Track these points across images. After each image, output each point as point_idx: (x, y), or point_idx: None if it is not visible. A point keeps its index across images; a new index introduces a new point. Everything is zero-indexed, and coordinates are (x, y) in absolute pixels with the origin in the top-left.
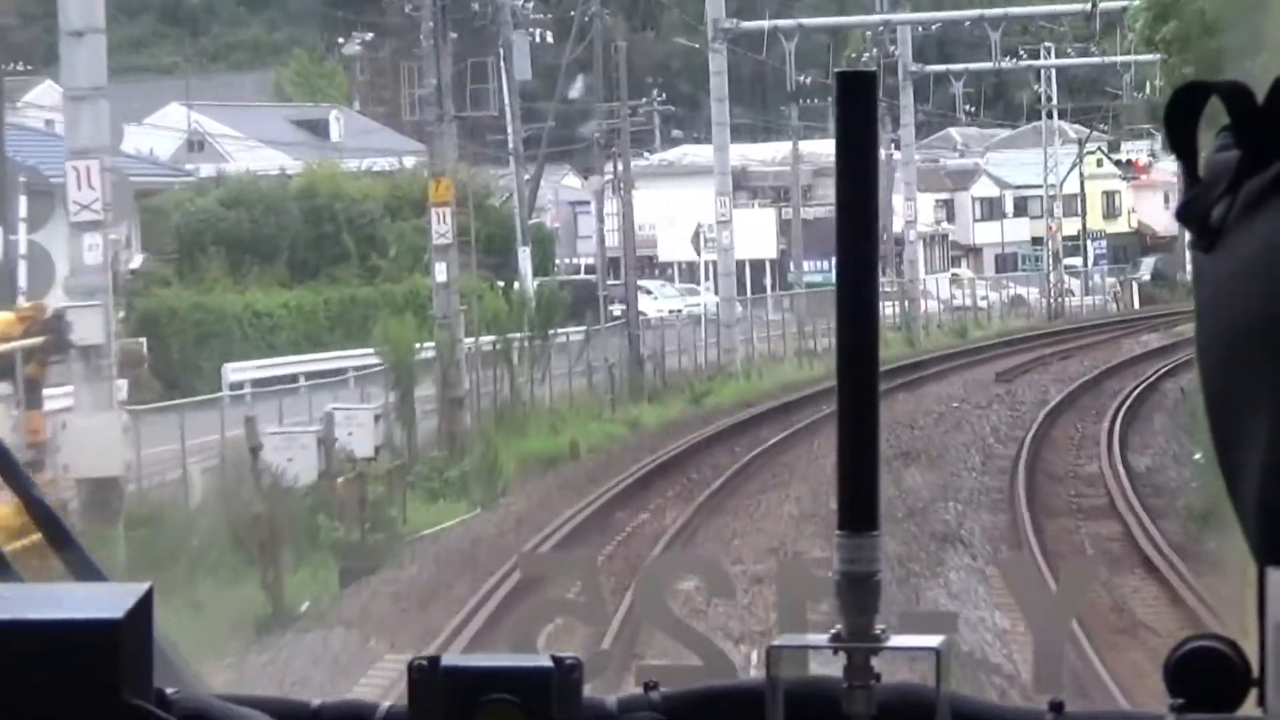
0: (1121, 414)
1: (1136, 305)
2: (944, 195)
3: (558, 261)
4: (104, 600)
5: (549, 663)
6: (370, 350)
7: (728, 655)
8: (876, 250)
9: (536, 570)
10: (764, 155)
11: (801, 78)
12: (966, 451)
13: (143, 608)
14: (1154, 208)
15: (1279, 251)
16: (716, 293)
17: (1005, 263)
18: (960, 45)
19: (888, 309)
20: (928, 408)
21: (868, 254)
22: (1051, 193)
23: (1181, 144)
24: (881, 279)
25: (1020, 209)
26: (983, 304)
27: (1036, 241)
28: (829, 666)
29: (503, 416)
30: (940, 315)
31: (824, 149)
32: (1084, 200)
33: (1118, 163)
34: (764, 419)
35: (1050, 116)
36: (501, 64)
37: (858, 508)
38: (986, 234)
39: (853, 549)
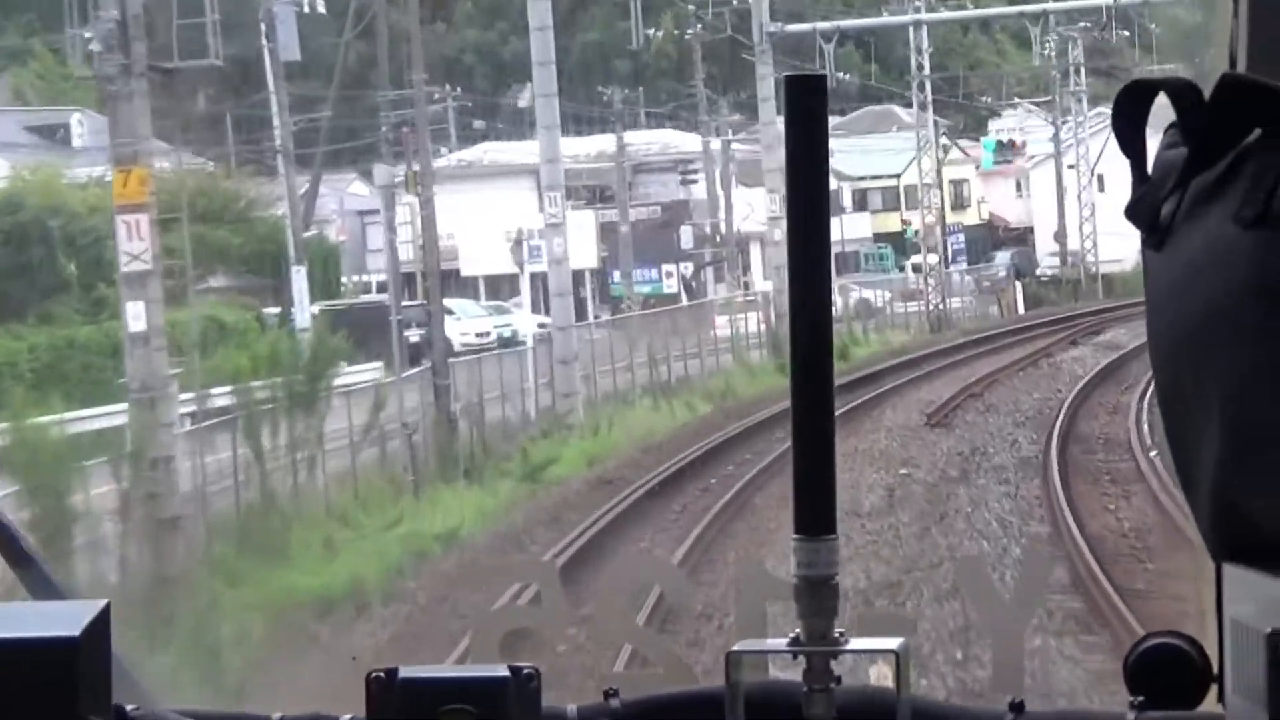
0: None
1: (1021, 309)
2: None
3: (345, 280)
4: (62, 618)
5: (506, 672)
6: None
7: (686, 662)
8: (829, 256)
9: (492, 579)
10: (580, 150)
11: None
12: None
13: (100, 625)
14: (1005, 197)
15: (1225, 248)
16: (538, 311)
17: (846, 263)
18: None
19: (744, 324)
20: (852, 482)
21: (820, 260)
22: (927, 180)
23: (1129, 142)
24: (737, 289)
25: (860, 203)
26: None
27: (880, 238)
28: (789, 670)
29: (247, 532)
30: None
31: (647, 139)
32: (944, 189)
33: (1000, 144)
34: (633, 514)
35: (922, 88)
36: (264, 40)
37: (815, 512)
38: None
39: (810, 553)
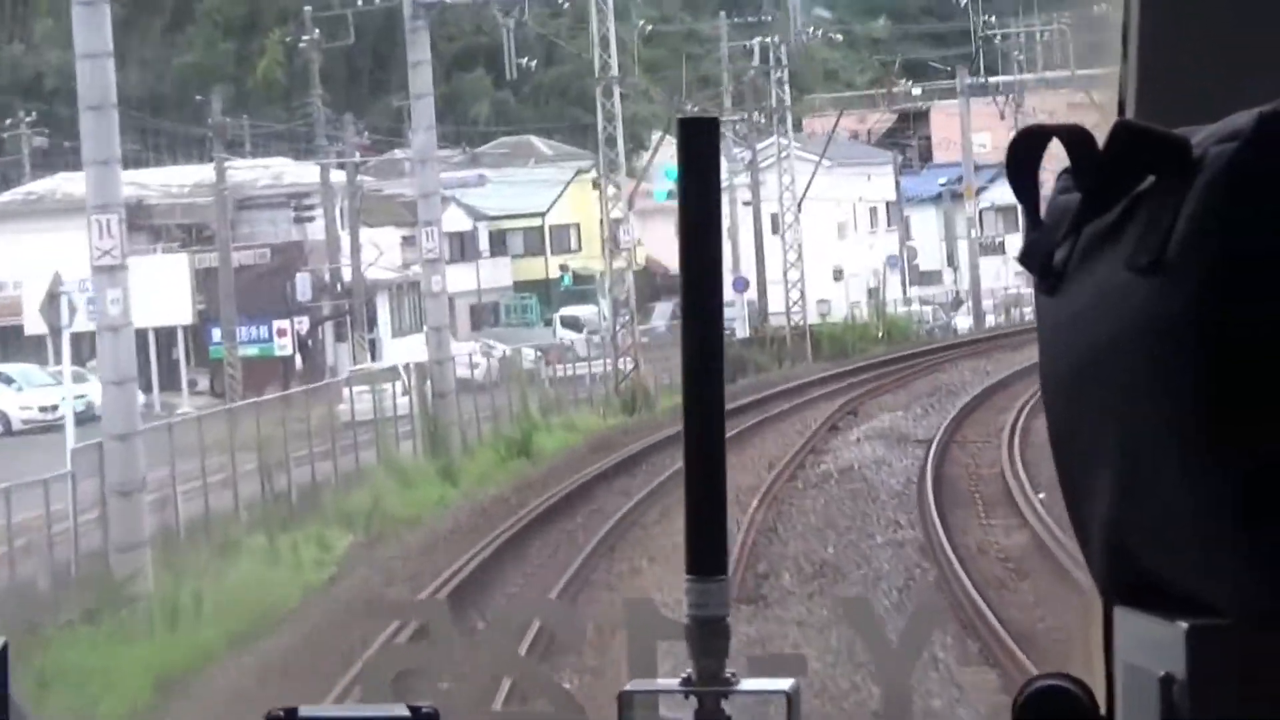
0: None
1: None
2: (408, 230)
3: None
4: None
5: (406, 712)
6: None
7: (577, 699)
8: (721, 297)
9: (388, 617)
10: (172, 180)
11: None
12: None
13: (2, 663)
14: (663, 239)
15: (1118, 294)
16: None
17: (483, 316)
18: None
19: (389, 398)
20: None
21: (713, 302)
22: (616, 214)
23: (1023, 186)
24: (364, 350)
25: (499, 245)
26: (472, 371)
27: (523, 286)
28: (680, 711)
29: None
30: (469, 411)
31: (256, 169)
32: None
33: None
34: None
35: (611, 120)
36: None
37: (706, 552)
38: (460, 279)
39: (701, 593)
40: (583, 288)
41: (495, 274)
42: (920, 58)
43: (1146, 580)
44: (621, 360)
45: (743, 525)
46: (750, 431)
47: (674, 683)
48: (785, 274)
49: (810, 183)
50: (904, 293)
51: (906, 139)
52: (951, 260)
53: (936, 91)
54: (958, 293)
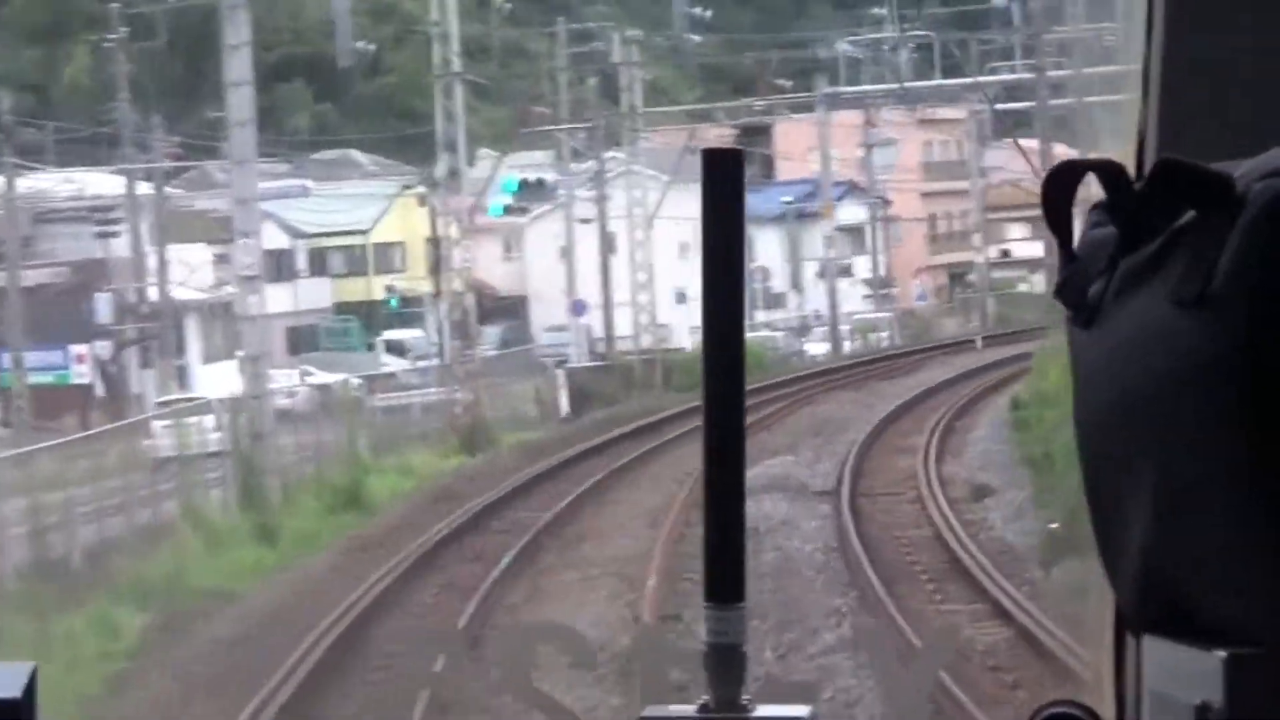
0: None
1: (565, 407)
2: (221, 247)
3: None
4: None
5: None
6: None
7: None
8: (743, 329)
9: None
10: None
11: None
12: None
13: (32, 686)
14: (490, 258)
15: (1159, 328)
16: None
17: (301, 339)
18: None
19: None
20: None
21: (734, 333)
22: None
23: (1057, 220)
24: (172, 379)
25: (318, 264)
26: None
27: (345, 309)
28: None
29: None
30: (288, 448)
31: (53, 181)
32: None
33: (525, 185)
34: None
35: (452, 118)
36: None
37: (725, 579)
38: (277, 299)
39: (720, 620)
40: (409, 310)
41: (314, 294)
42: (748, 70)
43: (1180, 610)
44: (458, 390)
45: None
46: (616, 478)
47: (691, 709)
48: (635, 296)
49: (662, 199)
50: (750, 317)
51: (748, 155)
52: (796, 283)
53: (779, 106)
54: (804, 317)
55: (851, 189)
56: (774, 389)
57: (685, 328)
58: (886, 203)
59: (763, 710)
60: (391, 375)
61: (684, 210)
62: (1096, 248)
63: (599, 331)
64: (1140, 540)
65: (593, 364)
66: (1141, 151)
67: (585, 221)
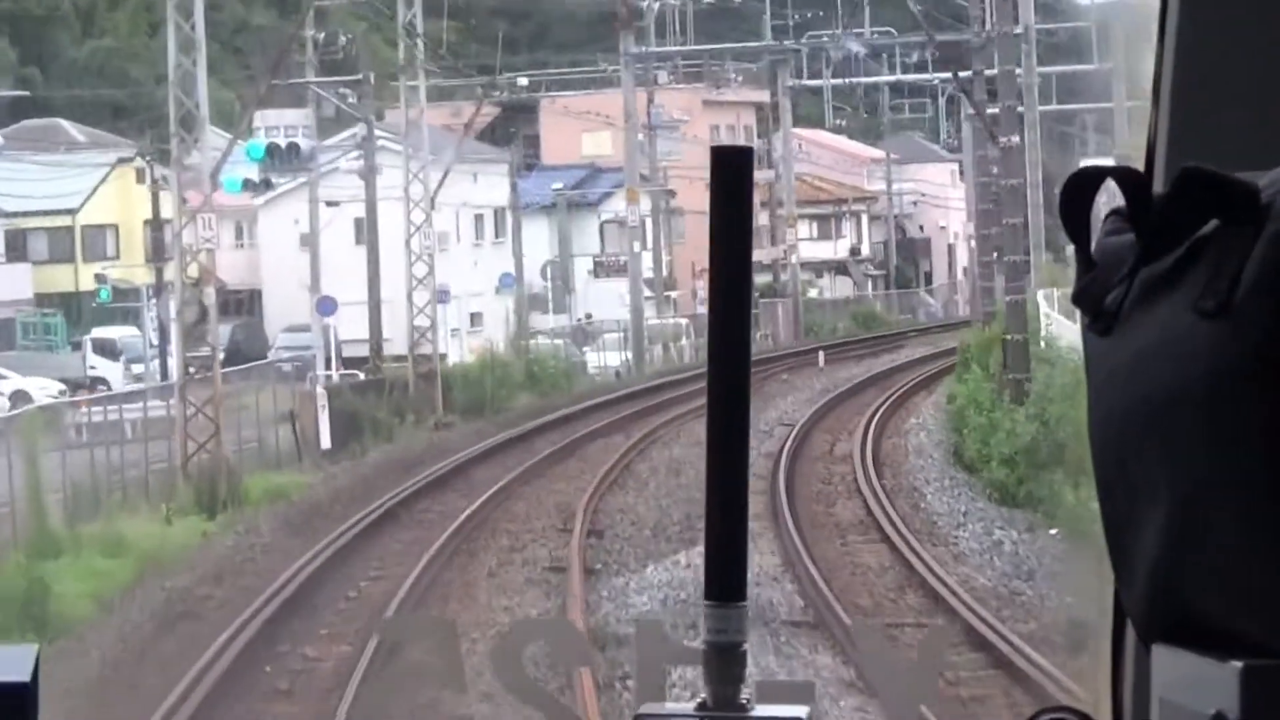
0: None
1: (327, 439)
2: None
3: None
4: (8, 664)
5: None
6: None
7: None
8: (749, 328)
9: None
10: None
11: None
12: None
13: (37, 669)
14: (225, 245)
15: (1182, 337)
16: None
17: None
18: None
19: None
20: None
21: (740, 332)
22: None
23: (1075, 226)
24: None
25: (16, 248)
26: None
27: (46, 300)
28: None
29: None
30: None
31: None
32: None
33: (274, 150)
34: None
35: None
36: None
37: (725, 578)
38: None
39: (720, 619)
40: (123, 304)
41: (10, 283)
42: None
43: (1193, 620)
44: (191, 410)
45: None
46: (434, 574)
47: (689, 708)
48: (410, 295)
49: (443, 181)
50: (519, 320)
51: (511, 136)
52: (568, 282)
53: (546, 83)
54: (581, 321)
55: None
56: (592, 417)
57: (459, 333)
58: (670, 193)
59: (761, 710)
60: (101, 381)
61: (441, 195)
62: (1114, 255)
63: (353, 332)
64: (1154, 548)
65: (351, 376)
66: (1151, 158)
67: (332, 204)
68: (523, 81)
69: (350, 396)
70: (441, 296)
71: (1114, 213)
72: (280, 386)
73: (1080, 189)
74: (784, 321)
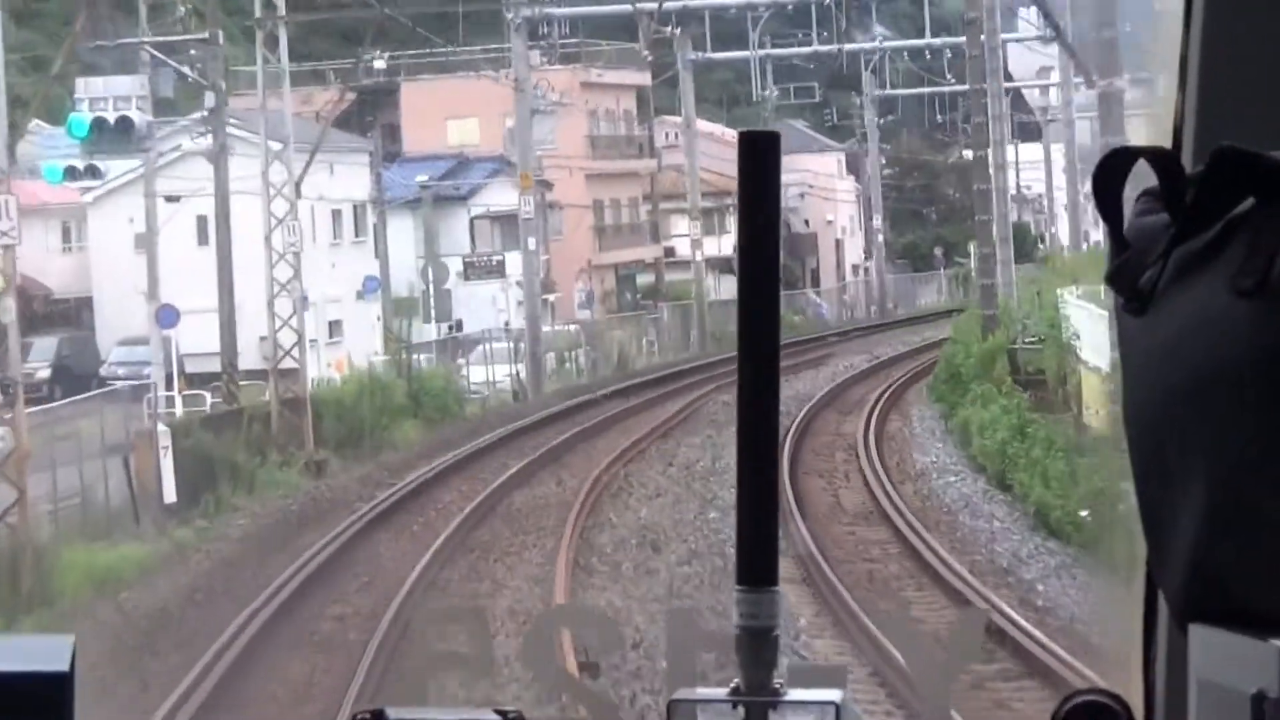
0: None
1: (170, 490)
2: None
3: None
4: (47, 652)
5: (494, 716)
6: None
7: (615, 708)
8: (778, 312)
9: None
10: None
11: None
12: None
13: (74, 659)
14: (45, 250)
15: (1218, 316)
16: None
17: None
18: None
19: None
20: None
21: (770, 317)
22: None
23: (1108, 207)
24: None
25: None
26: None
27: None
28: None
29: None
30: None
31: None
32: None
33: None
34: None
35: None
36: None
37: (757, 562)
38: None
39: (752, 604)
40: None
41: None
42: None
43: (1232, 600)
44: None
45: None
46: None
47: (722, 693)
48: (271, 303)
49: (308, 166)
50: (399, 331)
51: (369, 124)
52: (437, 286)
53: (410, 66)
54: (452, 330)
55: (504, 166)
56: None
57: (317, 344)
58: (546, 185)
59: (794, 694)
60: None
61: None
62: (1148, 235)
63: (199, 344)
64: (1192, 528)
65: (197, 397)
66: (1179, 139)
67: (172, 199)
68: (380, 64)
69: (200, 434)
70: (303, 302)
71: (1146, 193)
72: (112, 414)
73: (1112, 170)
74: (670, 329)
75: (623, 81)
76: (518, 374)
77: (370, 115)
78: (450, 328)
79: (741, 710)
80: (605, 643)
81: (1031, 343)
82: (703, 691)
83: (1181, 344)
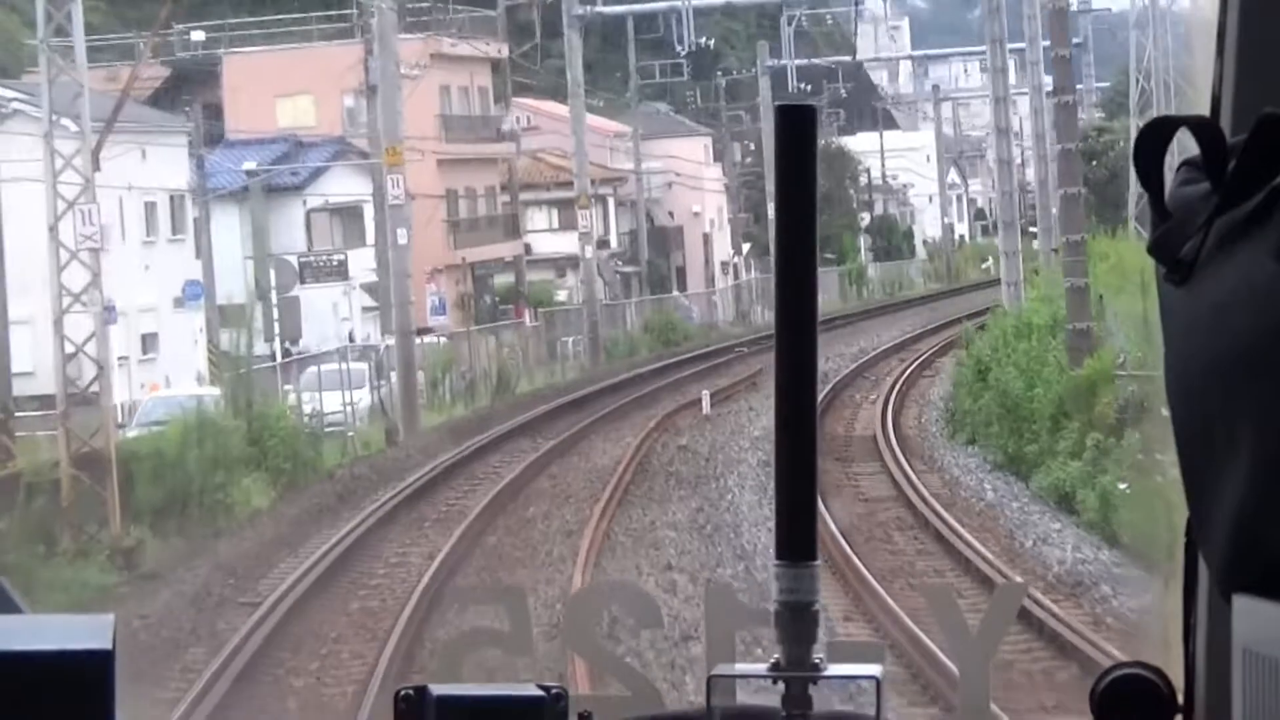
0: None
1: None
2: None
3: None
4: (88, 631)
5: (539, 692)
6: None
7: (654, 684)
8: (815, 287)
9: (463, 601)
10: None
11: None
12: None
13: (114, 638)
14: None
15: (1263, 286)
16: None
17: None
18: None
19: None
20: None
21: (806, 292)
22: None
23: (1149, 177)
24: None
25: None
26: None
27: None
28: (760, 695)
29: None
30: None
31: None
32: None
33: None
34: None
35: None
36: None
37: (796, 538)
38: None
39: (792, 579)
40: None
41: None
42: None
43: (1277, 570)
44: None
45: None
46: None
47: (762, 668)
48: (60, 320)
49: (102, 141)
50: (210, 345)
51: (188, 103)
52: (264, 294)
53: (230, 38)
54: (289, 348)
55: (343, 150)
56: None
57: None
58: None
59: (833, 669)
60: None
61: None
62: (1189, 205)
63: None
64: (1238, 497)
65: None
66: (1216, 106)
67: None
68: (198, 36)
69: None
70: (107, 315)
71: (1186, 163)
72: None
73: (1153, 139)
74: (547, 340)
75: (477, 53)
76: (381, 404)
77: (188, 93)
78: (286, 345)
79: (781, 685)
80: (643, 619)
81: (1129, 369)
82: (742, 667)
83: (1225, 313)
